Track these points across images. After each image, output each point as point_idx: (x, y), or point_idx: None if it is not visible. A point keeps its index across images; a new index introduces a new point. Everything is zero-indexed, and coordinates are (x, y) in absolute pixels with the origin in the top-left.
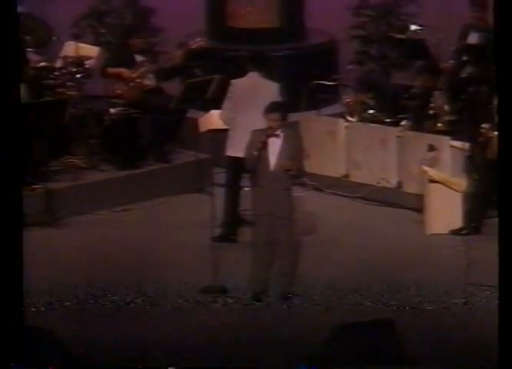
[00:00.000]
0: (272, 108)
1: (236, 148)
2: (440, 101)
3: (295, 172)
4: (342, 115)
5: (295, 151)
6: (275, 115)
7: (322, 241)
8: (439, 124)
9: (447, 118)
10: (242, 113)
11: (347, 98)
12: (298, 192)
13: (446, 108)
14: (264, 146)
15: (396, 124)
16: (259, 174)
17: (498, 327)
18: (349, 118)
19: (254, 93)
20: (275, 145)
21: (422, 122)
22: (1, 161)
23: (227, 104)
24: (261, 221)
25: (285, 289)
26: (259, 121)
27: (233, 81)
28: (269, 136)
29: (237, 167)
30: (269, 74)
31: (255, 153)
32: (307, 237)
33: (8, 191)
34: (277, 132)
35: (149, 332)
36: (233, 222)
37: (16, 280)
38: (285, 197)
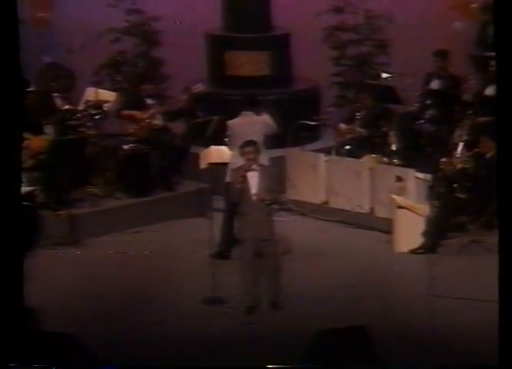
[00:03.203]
0: (246, 143)
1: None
2: (394, 140)
3: (270, 201)
4: (323, 150)
5: (271, 182)
6: (250, 148)
7: (305, 259)
8: (394, 160)
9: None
10: (236, 148)
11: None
12: (285, 217)
13: (399, 145)
14: (244, 180)
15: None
16: (243, 204)
17: (498, 330)
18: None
19: (248, 129)
20: (254, 178)
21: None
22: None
23: (229, 142)
24: (248, 244)
25: (272, 299)
26: None
27: (229, 122)
28: (247, 170)
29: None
30: (260, 112)
31: (238, 186)
32: (295, 254)
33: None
34: (254, 167)
35: (156, 336)
36: (228, 242)
37: (16, 286)
38: (268, 222)
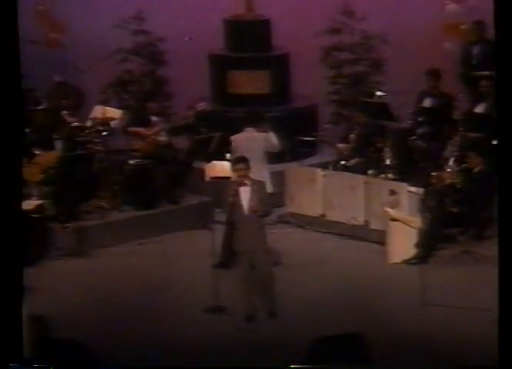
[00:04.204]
0: (237, 160)
1: None
2: (389, 155)
3: (261, 213)
4: (320, 165)
5: (262, 195)
6: (241, 165)
7: (303, 269)
8: (389, 175)
9: (396, 168)
10: None
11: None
12: (283, 229)
13: (394, 160)
14: (236, 194)
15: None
16: (236, 217)
17: (498, 334)
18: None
19: (249, 144)
20: (245, 193)
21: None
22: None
23: (233, 156)
24: (242, 256)
25: (268, 308)
26: (256, 166)
27: (233, 137)
28: (239, 185)
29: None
30: (262, 129)
31: (230, 199)
32: (294, 265)
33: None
34: (246, 182)
35: (160, 340)
36: (229, 253)
37: (16, 287)
38: (259, 234)
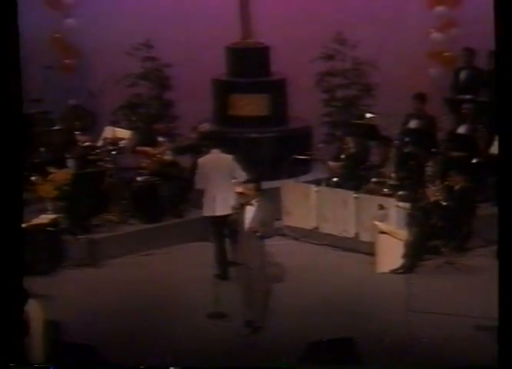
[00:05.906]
0: (250, 180)
1: (210, 210)
2: (387, 172)
3: (261, 234)
4: (314, 182)
5: (266, 217)
6: (251, 185)
7: (297, 278)
8: (385, 190)
9: (392, 182)
10: (210, 183)
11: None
12: (279, 241)
13: (393, 176)
14: (241, 212)
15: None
16: (238, 234)
17: (498, 335)
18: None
19: (216, 166)
20: (250, 212)
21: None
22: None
23: (197, 178)
24: (241, 269)
25: (257, 323)
26: (223, 188)
27: (199, 160)
28: (245, 204)
29: (214, 223)
30: (227, 151)
31: (234, 217)
32: (289, 274)
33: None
34: (253, 201)
35: (164, 343)
36: (224, 265)
37: (17, 289)
38: (258, 252)
